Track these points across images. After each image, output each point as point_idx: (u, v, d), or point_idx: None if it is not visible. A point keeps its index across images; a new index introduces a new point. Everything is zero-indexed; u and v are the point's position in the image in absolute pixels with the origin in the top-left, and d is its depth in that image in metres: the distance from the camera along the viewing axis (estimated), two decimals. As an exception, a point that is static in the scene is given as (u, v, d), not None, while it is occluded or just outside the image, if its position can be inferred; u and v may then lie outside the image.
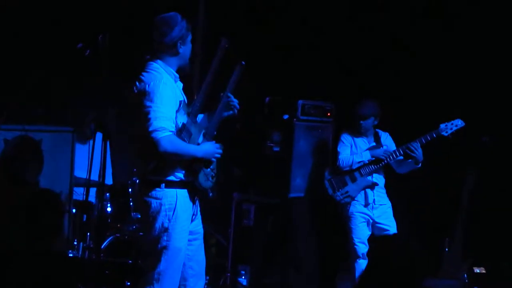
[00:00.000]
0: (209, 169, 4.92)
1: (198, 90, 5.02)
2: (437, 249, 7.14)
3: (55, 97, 7.99)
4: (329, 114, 7.88)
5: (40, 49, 7.80)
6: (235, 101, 5.06)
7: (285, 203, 7.55)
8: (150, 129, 4.63)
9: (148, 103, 4.67)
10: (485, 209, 7.28)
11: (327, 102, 7.88)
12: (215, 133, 5.04)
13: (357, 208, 6.97)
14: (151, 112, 4.65)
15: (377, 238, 6.70)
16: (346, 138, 7.10)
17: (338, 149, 7.08)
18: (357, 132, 7.08)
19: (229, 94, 5.04)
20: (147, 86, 4.72)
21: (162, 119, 4.65)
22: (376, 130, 7.12)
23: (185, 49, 4.90)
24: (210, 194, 4.99)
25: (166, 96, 4.70)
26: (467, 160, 7.37)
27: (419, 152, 6.72)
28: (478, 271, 6.98)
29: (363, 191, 6.97)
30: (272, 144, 7.70)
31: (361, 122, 6.98)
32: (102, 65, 5.46)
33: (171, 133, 4.68)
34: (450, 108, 7.11)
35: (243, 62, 5.05)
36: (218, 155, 4.96)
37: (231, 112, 5.09)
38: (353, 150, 7.06)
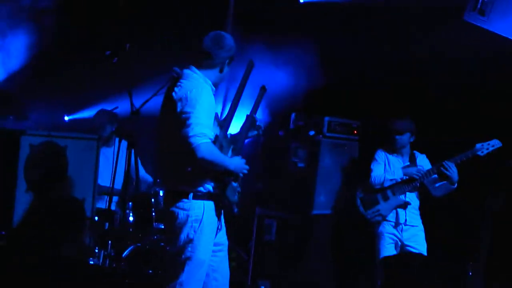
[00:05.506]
0: (236, 184, 4.92)
1: (230, 106, 5.07)
2: (461, 274, 7.03)
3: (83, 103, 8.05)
4: (355, 131, 7.84)
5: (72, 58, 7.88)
6: (261, 122, 5.19)
7: (307, 220, 7.50)
8: (191, 134, 4.61)
9: (189, 109, 4.66)
10: (510, 232, 7.18)
11: (353, 119, 7.84)
12: (242, 150, 5.10)
13: (386, 228, 6.89)
14: (191, 118, 4.63)
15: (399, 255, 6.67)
16: (380, 156, 7.01)
17: (371, 167, 6.98)
18: (392, 149, 6.98)
19: (255, 116, 5.14)
20: (188, 92, 4.71)
21: (203, 126, 4.64)
22: (413, 151, 7.01)
23: (227, 71, 4.97)
24: (235, 210, 4.98)
25: (207, 104, 4.71)
26: (491, 183, 7.27)
27: (453, 171, 6.59)
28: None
29: (394, 211, 6.89)
30: (297, 160, 7.66)
31: (397, 137, 6.87)
32: (130, 73, 5.51)
33: (210, 140, 4.67)
34: (479, 129, 7.01)
35: (265, 87, 5.18)
36: (246, 171, 4.96)
37: (255, 132, 5.20)
38: (386, 168, 6.97)
